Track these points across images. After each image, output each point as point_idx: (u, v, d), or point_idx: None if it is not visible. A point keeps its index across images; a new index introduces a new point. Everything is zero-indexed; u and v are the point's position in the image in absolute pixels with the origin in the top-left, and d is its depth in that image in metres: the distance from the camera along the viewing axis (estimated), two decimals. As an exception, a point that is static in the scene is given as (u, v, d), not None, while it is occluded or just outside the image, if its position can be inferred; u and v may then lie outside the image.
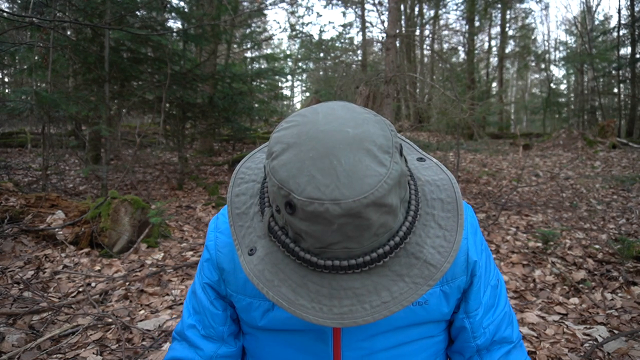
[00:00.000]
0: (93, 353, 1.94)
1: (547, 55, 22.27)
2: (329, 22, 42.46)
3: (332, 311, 0.56)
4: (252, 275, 0.60)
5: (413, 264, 0.59)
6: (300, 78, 22.68)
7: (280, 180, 0.55)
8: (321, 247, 0.57)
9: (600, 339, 2.06)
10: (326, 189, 0.52)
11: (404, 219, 0.60)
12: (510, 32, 19.59)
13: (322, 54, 17.24)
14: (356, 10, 16.56)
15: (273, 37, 20.07)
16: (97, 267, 3.03)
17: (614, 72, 15.89)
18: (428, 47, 18.23)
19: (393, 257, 0.59)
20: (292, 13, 16.49)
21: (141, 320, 2.27)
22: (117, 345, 2.02)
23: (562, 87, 24.62)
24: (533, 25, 21.15)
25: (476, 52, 18.51)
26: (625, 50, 15.42)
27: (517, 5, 17.74)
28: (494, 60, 21.04)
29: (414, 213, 0.62)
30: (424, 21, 17.94)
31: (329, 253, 0.57)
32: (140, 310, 2.41)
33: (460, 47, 19.20)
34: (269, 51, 19.44)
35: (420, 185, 0.68)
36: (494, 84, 20.48)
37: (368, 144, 0.56)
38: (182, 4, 7.05)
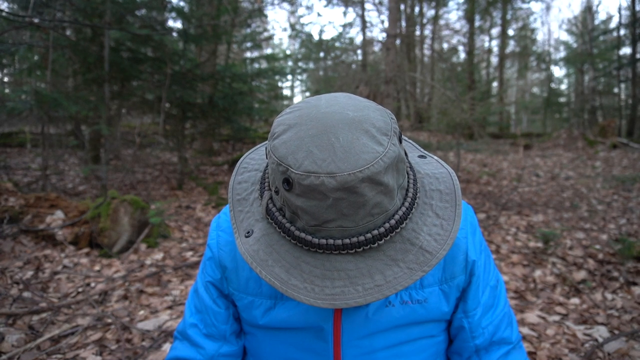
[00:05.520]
0: (92, 353, 1.93)
1: (547, 56, 22.25)
2: (329, 22, 42.44)
3: (324, 292, 0.57)
4: (246, 255, 0.61)
5: (408, 250, 0.59)
6: (300, 78, 22.65)
7: (280, 157, 0.57)
8: (316, 225, 0.57)
9: (600, 339, 2.05)
10: (322, 163, 0.54)
11: (401, 204, 0.61)
12: (511, 32, 19.58)
13: (322, 54, 17.24)
14: (356, 10, 16.56)
15: (273, 37, 20.07)
16: (97, 268, 3.02)
17: (614, 72, 15.87)
18: (428, 47, 18.24)
19: (388, 242, 0.60)
20: (292, 13, 16.50)
21: (141, 321, 2.27)
22: (116, 345, 2.02)
23: (563, 87, 24.62)
24: (533, 25, 21.11)
25: (476, 52, 18.50)
26: (626, 50, 15.43)
27: (519, 4, 17.70)
28: (494, 60, 21.04)
29: (411, 200, 0.62)
30: (424, 21, 17.93)
31: (323, 232, 0.58)
32: (139, 311, 2.41)
33: (460, 47, 19.22)
34: (269, 51, 19.43)
35: (420, 178, 0.68)
36: (494, 84, 20.46)
37: (367, 125, 0.57)
38: (182, 3, 7.04)
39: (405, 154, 0.66)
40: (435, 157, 0.74)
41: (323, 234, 0.58)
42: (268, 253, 0.61)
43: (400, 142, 0.62)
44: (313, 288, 0.57)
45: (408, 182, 0.64)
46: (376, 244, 0.58)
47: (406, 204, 0.61)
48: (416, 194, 0.64)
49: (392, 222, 0.59)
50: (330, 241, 0.58)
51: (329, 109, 0.59)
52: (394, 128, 0.60)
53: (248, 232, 0.64)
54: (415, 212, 0.63)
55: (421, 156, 0.75)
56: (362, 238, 0.57)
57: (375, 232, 0.58)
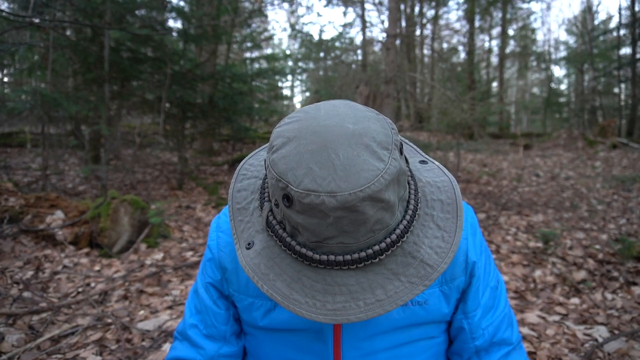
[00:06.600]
0: (93, 353, 1.93)
1: (547, 55, 22.25)
2: (329, 22, 42.46)
3: (325, 307, 0.56)
4: (247, 268, 0.61)
5: (409, 263, 0.59)
6: (300, 78, 22.65)
7: (279, 173, 0.56)
8: (317, 241, 0.57)
9: (600, 339, 2.05)
10: (323, 182, 0.53)
11: (402, 218, 0.60)
12: (511, 32, 19.58)
13: (322, 54, 17.24)
14: (356, 10, 16.56)
15: (273, 37, 20.07)
16: (97, 267, 3.02)
17: (614, 72, 15.87)
18: (428, 47, 18.24)
19: (389, 255, 0.59)
20: (292, 13, 16.50)
21: (141, 321, 2.27)
22: (116, 345, 2.02)
23: (563, 87, 24.62)
24: (534, 25, 21.09)
25: (476, 52, 18.49)
26: (626, 50, 15.43)
27: (519, 4, 17.70)
28: (494, 60, 21.03)
29: (412, 212, 0.62)
30: (424, 21, 17.93)
31: (324, 248, 0.57)
32: (139, 311, 2.41)
33: (460, 47, 19.22)
34: (269, 51, 19.43)
35: (421, 187, 0.67)
36: (494, 84, 20.46)
37: (367, 139, 0.56)
38: (182, 3, 7.04)
39: (406, 160, 0.65)
40: (437, 163, 0.74)
41: (324, 250, 0.58)
42: (269, 267, 0.60)
43: (402, 153, 0.61)
44: (314, 303, 0.57)
45: (409, 192, 0.64)
46: (377, 259, 0.58)
47: (407, 217, 0.61)
48: (417, 205, 0.63)
49: (393, 236, 0.58)
50: (331, 257, 0.57)
51: (329, 121, 0.58)
52: (394, 140, 0.58)
53: (249, 244, 0.64)
54: (416, 224, 0.62)
55: (422, 162, 0.74)
56: (363, 254, 0.57)
57: (377, 247, 0.57)
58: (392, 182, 0.55)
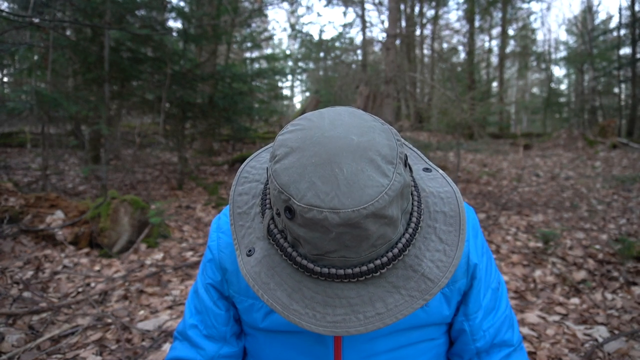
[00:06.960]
0: (93, 353, 1.93)
1: (547, 55, 22.25)
2: (329, 22, 42.53)
3: (325, 319, 0.56)
4: (248, 277, 0.61)
5: (410, 277, 0.58)
6: (300, 78, 22.66)
7: (281, 185, 0.55)
8: (318, 254, 0.57)
9: (600, 339, 2.05)
10: (326, 197, 0.52)
11: (404, 231, 0.60)
12: (511, 32, 19.57)
13: (322, 54, 17.25)
14: (356, 10, 16.56)
15: (273, 37, 20.08)
16: (97, 267, 3.02)
17: (614, 72, 15.87)
18: (428, 47, 18.24)
19: (391, 269, 0.59)
20: (292, 13, 16.51)
21: (141, 321, 2.27)
22: (116, 345, 2.02)
23: (563, 87, 24.62)
24: (534, 25, 21.07)
25: (476, 52, 18.49)
26: (626, 50, 15.43)
27: (519, 4, 17.69)
28: (494, 60, 21.02)
29: (414, 225, 0.61)
30: (424, 21, 17.93)
31: (325, 261, 0.57)
32: (139, 311, 2.41)
33: (460, 47, 19.22)
34: (269, 51, 19.44)
35: (424, 197, 0.66)
36: (494, 84, 20.46)
37: (372, 153, 0.55)
38: (182, 3, 7.04)
39: (410, 169, 0.64)
40: (441, 172, 0.73)
41: (325, 263, 0.57)
42: (270, 276, 0.60)
43: (406, 165, 0.60)
44: (314, 314, 0.57)
45: (412, 204, 0.63)
46: (378, 273, 0.58)
47: (410, 230, 0.60)
48: (420, 218, 0.63)
49: (395, 251, 0.58)
50: (332, 270, 0.57)
51: (333, 132, 0.57)
52: (399, 153, 0.57)
53: (250, 251, 0.63)
54: (418, 237, 0.61)
55: (426, 169, 0.73)
56: (364, 268, 0.57)
57: (378, 261, 0.57)
58: (396, 198, 0.54)
